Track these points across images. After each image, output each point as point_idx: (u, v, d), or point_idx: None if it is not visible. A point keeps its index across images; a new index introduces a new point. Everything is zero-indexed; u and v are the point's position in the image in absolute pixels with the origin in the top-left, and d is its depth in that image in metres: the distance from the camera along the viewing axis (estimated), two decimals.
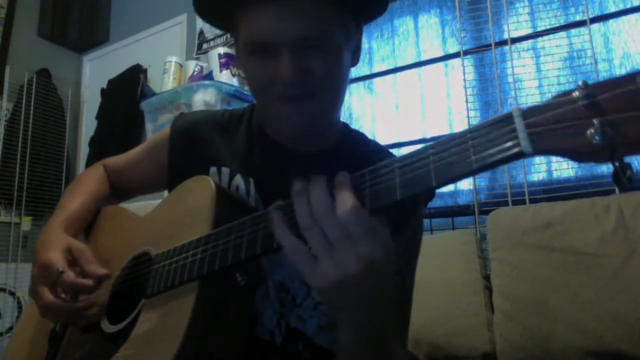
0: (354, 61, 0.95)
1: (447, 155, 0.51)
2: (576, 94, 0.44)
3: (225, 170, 0.97)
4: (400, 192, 0.54)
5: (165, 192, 1.06)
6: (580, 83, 0.43)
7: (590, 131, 0.42)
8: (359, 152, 1.00)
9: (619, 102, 0.42)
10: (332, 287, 0.58)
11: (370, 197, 0.57)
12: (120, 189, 1.20)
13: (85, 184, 1.15)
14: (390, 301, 0.67)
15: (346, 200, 0.57)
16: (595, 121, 0.42)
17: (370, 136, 1.08)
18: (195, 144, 1.03)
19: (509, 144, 0.47)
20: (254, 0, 0.82)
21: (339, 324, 0.67)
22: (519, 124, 0.47)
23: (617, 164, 0.42)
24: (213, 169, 0.98)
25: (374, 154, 1.00)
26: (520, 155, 0.46)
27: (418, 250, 0.99)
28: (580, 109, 0.44)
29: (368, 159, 0.98)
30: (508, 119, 0.49)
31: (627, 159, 0.43)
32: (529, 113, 0.48)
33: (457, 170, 0.50)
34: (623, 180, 0.42)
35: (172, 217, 0.90)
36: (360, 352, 0.68)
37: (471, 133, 0.50)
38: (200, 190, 0.85)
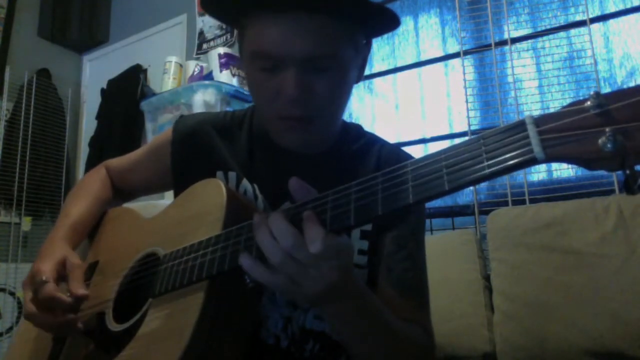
0: (359, 77, 0.94)
1: (460, 161, 0.52)
2: (588, 103, 0.45)
3: (232, 175, 0.98)
4: (413, 197, 0.55)
5: (168, 193, 1.06)
6: (592, 93, 0.44)
7: (602, 139, 0.43)
8: (355, 148, 1.01)
9: (630, 111, 0.43)
10: (316, 299, 0.66)
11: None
12: (123, 191, 1.20)
13: (89, 187, 1.15)
14: (363, 289, 0.75)
15: (315, 234, 0.61)
16: (607, 129, 0.43)
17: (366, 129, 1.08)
18: (199, 148, 1.03)
19: (522, 150, 0.48)
20: (267, 9, 0.80)
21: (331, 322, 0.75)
22: (531, 131, 0.48)
23: (627, 171, 0.43)
24: (219, 173, 0.98)
25: (368, 146, 1.01)
26: (533, 161, 0.47)
27: (424, 228, 1.02)
28: (592, 118, 0.45)
29: (363, 152, 0.99)
30: (520, 126, 0.49)
31: (637, 167, 0.44)
32: (541, 121, 0.49)
33: (470, 175, 0.50)
34: (634, 187, 0.43)
35: (181, 218, 0.90)
36: (360, 333, 0.76)
37: (484, 139, 0.51)
38: (210, 193, 0.85)
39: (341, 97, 0.88)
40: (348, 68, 0.85)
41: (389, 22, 0.89)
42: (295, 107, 0.83)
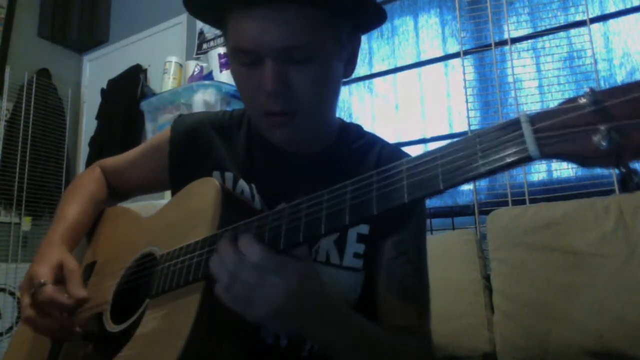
0: (347, 72, 0.92)
1: (455, 159, 0.52)
2: (583, 100, 0.45)
3: (229, 175, 0.97)
4: (408, 195, 0.54)
5: (167, 193, 1.06)
6: (587, 89, 0.44)
7: (597, 137, 0.43)
8: (355, 148, 1.00)
9: (626, 108, 0.43)
10: (269, 318, 0.66)
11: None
12: (118, 190, 1.19)
13: (84, 187, 1.14)
14: (335, 301, 0.74)
15: (251, 248, 0.65)
16: (602, 127, 0.43)
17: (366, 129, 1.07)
18: (197, 147, 1.03)
19: (517, 148, 0.48)
20: (240, 5, 0.80)
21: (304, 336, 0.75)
22: (526, 129, 0.47)
23: (623, 169, 0.43)
24: (216, 173, 0.98)
25: (369, 146, 1.01)
26: (528, 159, 0.47)
27: (425, 233, 1.01)
28: (587, 115, 0.45)
29: (363, 153, 0.98)
30: (515, 124, 0.49)
31: (632, 165, 0.44)
32: (536, 118, 0.48)
33: (465, 174, 0.50)
34: (630, 185, 0.42)
35: (178, 218, 0.90)
36: (340, 347, 0.75)
37: (479, 137, 0.51)
38: (205, 192, 0.85)
39: (324, 90, 0.87)
40: (329, 60, 0.84)
41: (372, 13, 0.87)
42: (275, 101, 0.82)
